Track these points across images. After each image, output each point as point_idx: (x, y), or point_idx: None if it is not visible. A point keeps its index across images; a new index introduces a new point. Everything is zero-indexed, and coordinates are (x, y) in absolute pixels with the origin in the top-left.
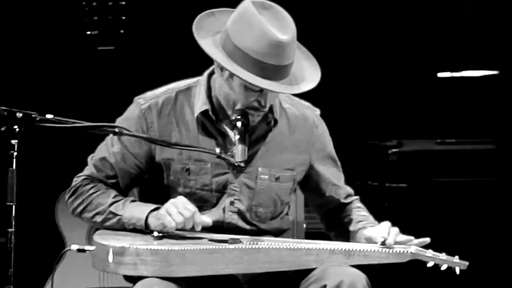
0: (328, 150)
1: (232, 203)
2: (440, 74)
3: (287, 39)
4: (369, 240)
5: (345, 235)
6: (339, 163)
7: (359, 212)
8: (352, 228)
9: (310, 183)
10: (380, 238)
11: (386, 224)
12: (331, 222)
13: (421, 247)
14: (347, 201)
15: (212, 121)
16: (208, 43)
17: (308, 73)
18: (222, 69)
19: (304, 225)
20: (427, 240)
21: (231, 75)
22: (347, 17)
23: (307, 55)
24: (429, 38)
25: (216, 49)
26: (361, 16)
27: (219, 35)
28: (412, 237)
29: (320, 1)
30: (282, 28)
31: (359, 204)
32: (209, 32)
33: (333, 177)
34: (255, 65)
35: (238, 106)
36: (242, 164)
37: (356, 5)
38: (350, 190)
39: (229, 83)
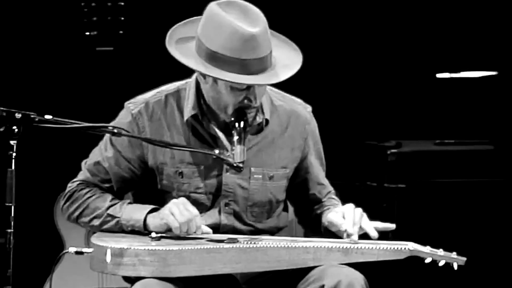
0: (318, 147)
1: (227, 204)
2: (439, 75)
3: (259, 31)
4: (331, 225)
5: (314, 221)
6: (324, 162)
7: (330, 200)
8: (319, 211)
9: (297, 179)
10: (343, 227)
11: (349, 209)
12: (306, 217)
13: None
14: (325, 198)
15: (202, 124)
16: (181, 53)
17: (289, 58)
18: (204, 76)
19: None
20: (392, 226)
21: (215, 79)
22: (345, 17)
23: (284, 40)
24: (428, 39)
25: (190, 58)
26: (360, 15)
27: (193, 42)
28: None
29: (319, 0)
30: (251, 21)
31: (334, 196)
32: (183, 41)
33: (320, 176)
34: (234, 64)
35: (230, 108)
36: (241, 165)
37: (355, 4)
38: (331, 187)
39: (214, 88)
